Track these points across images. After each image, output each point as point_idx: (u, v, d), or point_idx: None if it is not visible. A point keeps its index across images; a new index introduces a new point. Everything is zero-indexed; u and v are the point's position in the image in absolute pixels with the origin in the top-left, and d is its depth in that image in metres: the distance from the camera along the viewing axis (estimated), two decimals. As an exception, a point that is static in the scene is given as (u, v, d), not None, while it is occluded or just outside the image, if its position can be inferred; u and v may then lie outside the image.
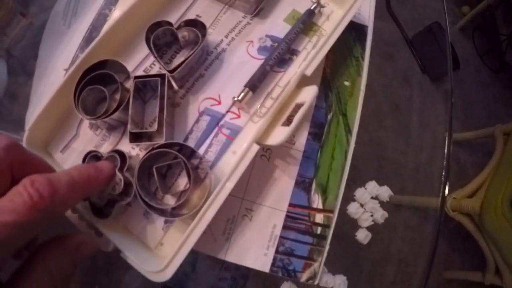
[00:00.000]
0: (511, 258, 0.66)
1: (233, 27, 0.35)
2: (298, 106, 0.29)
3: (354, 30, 0.39)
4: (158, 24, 0.31)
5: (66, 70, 0.36)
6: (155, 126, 0.29)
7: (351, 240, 0.38)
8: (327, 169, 0.34)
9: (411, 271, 0.74)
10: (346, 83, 0.38)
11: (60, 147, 0.33)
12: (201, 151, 0.31)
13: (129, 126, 0.29)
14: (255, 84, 0.32)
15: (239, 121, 0.32)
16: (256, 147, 0.28)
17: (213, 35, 0.35)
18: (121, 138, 0.32)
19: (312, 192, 0.32)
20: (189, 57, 0.30)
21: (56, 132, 0.33)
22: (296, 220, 0.31)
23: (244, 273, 0.39)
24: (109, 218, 0.28)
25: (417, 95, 1.01)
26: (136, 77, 0.30)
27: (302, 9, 0.37)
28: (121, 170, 0.28)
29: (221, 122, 0.31)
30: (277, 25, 0.36)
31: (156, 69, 0.34)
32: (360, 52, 0.39)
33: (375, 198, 0.39)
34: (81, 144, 0.32)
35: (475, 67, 1.03)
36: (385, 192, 0.40)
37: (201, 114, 0.32)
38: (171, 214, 0.28)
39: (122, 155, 0.29)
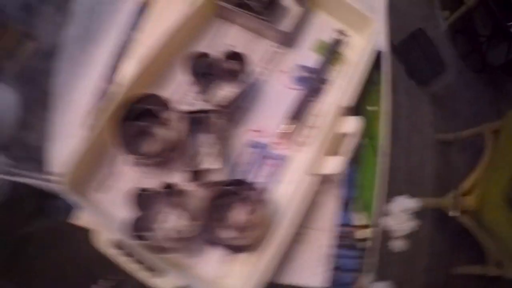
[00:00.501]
0: (510, 249, 0.71)
1: (265, 56, 0.35)
2: (342, 136, 0.31)
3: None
4: (199, 55, 0.30)
5: (93, 102, 0.34)
6: (217, 163, 0.29)
7: (385, 249, 0.40)
8: (364, 189, 0.35)
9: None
10: (369, 108, 0.39)
11: (95, 186, 0.31)
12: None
13: (187, 164, 0.28)
14: (297, 116, 0.32)
15: (283, 151, 0.32)
16: (312, 178, 0.29)
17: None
18: (165, 172, 0.30)
19: (354, 211, 0.34)
20: (240, 91, 0.29)
21: (90, 171, 0.31)
22: (342, 238, 0.33)
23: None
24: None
25: (404, 100, 1.06)
26: (188, 112, 0.29)
27: (325, 38, 0.37)
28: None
29: (266, 153, 0.31)
30: (306, 54, 0.36)
31: (192, 100, 0.33)
32: (377, 77, 0.40)
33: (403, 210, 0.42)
34: (119, 181, 0.30)
35: (459, 69, 1.10)
36: (412, 204, 0.43)
37: (247, 146, 0.31)
38: (234, 248, 0.28)
39: (177, 189, 0.28)
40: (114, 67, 0.35)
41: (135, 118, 0.30)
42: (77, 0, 0.40)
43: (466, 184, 0.82)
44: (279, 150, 0.31)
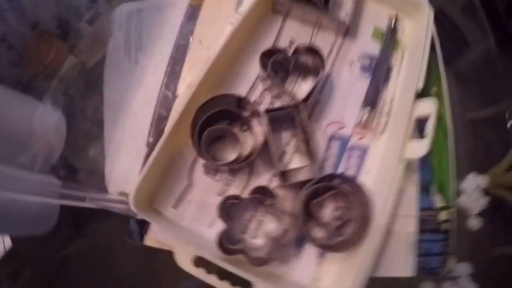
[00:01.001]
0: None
1: (330, 48, 0.34)
2: (417, 119, 0.30)
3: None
4: (272, 52, 0.29)
5: (155, 112, 0.32)
6: (304, 161, 0.28)
7: (463, 228, 0.40)
8: (440, 171, 0.35)
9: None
10: (434, 88, 0.38)
11: (170, 202, 0.29)
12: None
13: (275, 166, 0.26)
14: (373, 104, 0.31)
15: (366, 141, 0.30)
16: (399, 165, 0.28)
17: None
18: (249, 177, 0.29)
19: (432, 194, 0.33)
20: (316, 84, 0.28)
21: (163, 186, 0.29)
22: (425, 222, 0.32)
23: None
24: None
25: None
26: (268, 111, 0.27)
27: (381, 25, 0.36)
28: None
29: (350, 144, 0.30)
30: (367, 42, 0.35)
31: (267, 98, 0.31)
32: (433, 59, 0.39)
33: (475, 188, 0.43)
34: (199, 194, 0.28)
35: (481, 45, 1.09)
36: (482, 181, 0.44)
37: (330, 139, 0.30)
38: (330, 247, 0.26)
39: (267, 193, 0.27)
40: (173, 74, 0.33)
41: (211, 122, 0.28)
42: (115, 10, 0.39)
43: (507, 160, 0.82)
44: (362, 140, 0.30)
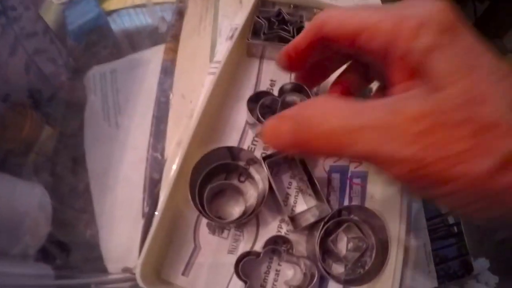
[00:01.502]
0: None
1: None
2: None
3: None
4: (257, 95, 0.30)
5: (145, 177, 0.31)
6: (310, 201, 0.28)
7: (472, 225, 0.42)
8: None
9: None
10: None
11: (179, 269, 0.27)
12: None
13: (283, 211, 0.26)
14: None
15: (363, 167, 0.31)
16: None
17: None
18: (257, 229, 0.28)
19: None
20: None
21: (169, 254, 0.27)
22: (436, 230, 0.33)
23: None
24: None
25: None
26: (265, 158, 0.27)
27: None
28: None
29: (349, 174, 0.30)
30: None
31: (260, 142, 0.31)
32: None
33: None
34: (208, 255, 0.27)
35: None
36: None
37: (329, 173, 0.30)
38: (353, 280, 0.26)
39: (279, 241, 0.26)
40: (158, 133, 0.33)
41: (208, 179, 0.28)
42: (87, 74, 0.38)
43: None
44: (360, 167, 0.31)
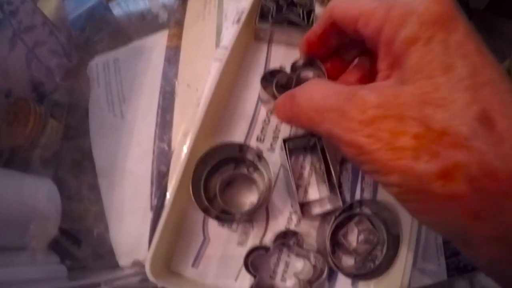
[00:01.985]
0: None
1: None
2: None
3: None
4: (272, 73, 0.29)
5: (153, 169, 0.31)
6: (322, 190, 0.27)
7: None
8: None
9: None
10: None
11: (189, 261, 0.27)
12: (357, 197, 0.29)
13: (295, 200, 0.26)
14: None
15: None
16: None
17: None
18: (267, 220, 0.28)
19: None
20: None
21: (178, 246, 0.28)
22: None
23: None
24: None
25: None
26: (286, 140, 0.26)
27: None
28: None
29: (362, 165, 0.30)
30: None
31: (269, 132, 0.30)
32: None
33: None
34: (218, 247, 0.27)
35: None
36: None
37: (341, 163, 0.29)
38: (362, 275, 0.26)
39: (289, 233, 0.26)
40: (164, 124, 0.32)
41: (214, 172, 0.27)
42: (90, 64, 0.38)
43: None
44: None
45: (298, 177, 0.29)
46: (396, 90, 0.16)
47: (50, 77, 0.37)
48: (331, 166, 0.26)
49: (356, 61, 0.26)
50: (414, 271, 0.29)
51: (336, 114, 0.17)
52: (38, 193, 0.33)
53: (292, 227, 0.27)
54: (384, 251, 0.26)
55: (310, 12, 0.33)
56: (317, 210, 0.27)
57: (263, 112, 0.31)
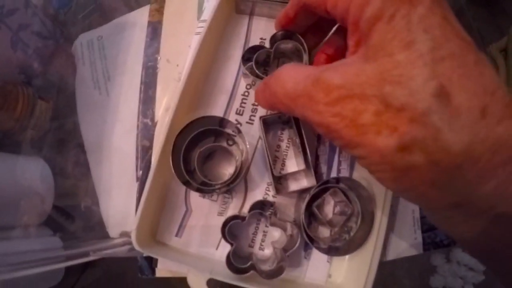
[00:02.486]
0: None
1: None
2: None
3: None
4: (252, 50, 0.29)
5: (137, 144, 0.32)
6: (299, 163, 0.28)
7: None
8: None
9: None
10: None
11: (173, 231, 0.29)
12: (333, 171, 0.29)
13: (271, 174, 0.27)
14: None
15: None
16: None
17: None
18: (245, 191, 0.29)
19: None
20: None
21: (162, 217, 0.29)
22: None
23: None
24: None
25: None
26: (262, 117, 0.27)
27: None
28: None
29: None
30: None
31: (249, 105, 0.31)
32: None
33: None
34: (199, 218, 0.29)
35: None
36: None
37: (318, 136, 0.30)
38: (336, 248, 0.27)
39: (266, 204, 0.27)
40: (147, 99, 0.33)
41: (195, 143, 0.28)
42: (75, 43, 0.38)
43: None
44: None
45: (276, 149, 0.30)
46: (358, 69, 0.16)
47: (36, 58, 0.38)
48: (305, 142, 0.27)
49: (333, 30, 0.26)
50: (391, 244, 0.30)
51: (305, 99, 0.18)
52: (31, 173, 0.35)
53: (270, 198, 0.29)
54: (359, 223, 0.27)
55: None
56: (293, 186, 0.28)
57: (242, 85, 0.31)
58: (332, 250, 0.27)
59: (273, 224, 0.28)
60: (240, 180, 0.27)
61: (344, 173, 0.30)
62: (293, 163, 0.29)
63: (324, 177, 0.29)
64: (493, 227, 0.16)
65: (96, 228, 0.32)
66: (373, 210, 0.27)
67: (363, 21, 0.16)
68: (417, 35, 0.15)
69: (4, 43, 0.35)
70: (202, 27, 0.34)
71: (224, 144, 0.29)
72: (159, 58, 0.34)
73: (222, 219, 0.28)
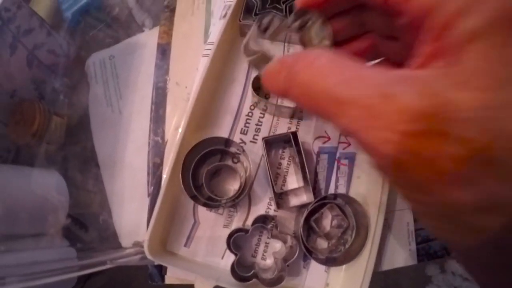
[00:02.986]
0: None
1: None
2: None
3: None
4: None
5: (149, 160, 0.35)
6: (299, 180, 0.31)
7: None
8: None
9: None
10: None
11: (181, 241, 0.32)
12: (331, 187, 0.32)
13: (273, 189, 0.30)
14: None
15: (352, 148, 0.33)
16: None
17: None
18: (249, 206, 0.32)
19: None
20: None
21: (172, 228, 0.32)
22: None
23: None
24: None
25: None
26: (264, 138, 0.30)
27: None
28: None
29: (338, 155, 0.33)
30: None
31: (252, 126, 0.34)
32: None
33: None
34: (206, 229, 0.32)
35: None
36: None
37: (317, 154, 0.33)
38: (333, 259, 0.30)
39: (268, 218, 0.30)
40: (157, 118, 0.36)
41: (203, 162, 0.31)
42: (87, 62, 0.41)
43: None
44: (348, 149, 0.33)
45: (278, 166, 0.33)
46: (446, 99, 0.12)
47: (51, 76, 0.41)
48: (304, 161, 0.30)
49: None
50: (386, 255, 0.33)
51: (364, 113, 0.14)
52: (46, 185, 0.38)
53: (272, 212, 0.32)
54: (354, 236, 0.30)
55: (291, 7, 0.36)
56: (293, 202, 0.31)
57: (246, 106, 0.34)
58: (330, 261, 0.30)
59: (274, 236, 0.31)
60: (244, 195, 0.30)
61: (342, 189, 0.33)
62: (293, 180, 0.32)
63: (323, 192, 0.32)
64: None
65: (110, 238, 0.35)
66: (367, 224, 0.30)
67: (456, 32, 0.13)
68: None
69: (21, 62, 0.38)
70: (209, 49, 0.37)
71: (230, 162, 0.32)
72: (168, 79, 0.37)
73: (227, 231, 0.31)
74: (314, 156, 0.33)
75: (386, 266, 0.33)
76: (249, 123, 0.34)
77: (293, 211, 0.32)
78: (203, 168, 0.31)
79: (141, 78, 0.38)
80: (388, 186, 0.30)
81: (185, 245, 0.32)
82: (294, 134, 0.30)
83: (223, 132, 0.34)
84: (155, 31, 0.40)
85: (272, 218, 0.30)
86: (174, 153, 0.31)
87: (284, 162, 0.33)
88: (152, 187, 0.34)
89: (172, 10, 0.41)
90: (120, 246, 0.34)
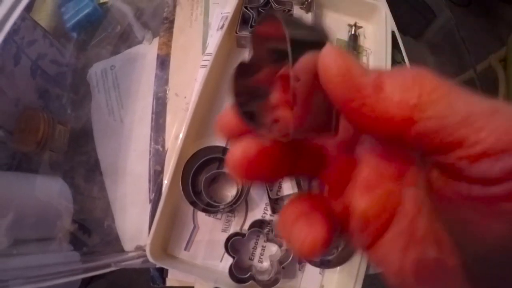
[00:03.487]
0: None
1: None
2: None
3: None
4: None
5: (150, 168, 0.37)
6: (294, 188, 0.33)
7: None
8: None
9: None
10: None
11: (182, 245, 0.34)
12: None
13: (268, 195, 0.32)
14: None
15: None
16: None
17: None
18: (246, 211, 0.34)
19: None
20: None
21: (172, 233, 0.34)
22: None
23: None
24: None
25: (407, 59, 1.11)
26: None
27: (342, 35, 0.42)
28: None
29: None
30: None
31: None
32: (399, 56, 0.44)
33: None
34: (205, 234, 0.34)
35: (447, 10, 1.16)
36: None
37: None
38: (329, 262, 0.32)
39: (264, 223, 0.33)
40: (158, 127, 0.38)
41: (201, 169, 0.34)
42: (89, 71, 0.43)
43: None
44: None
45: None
46: None
47: (54, 84, 0.43)
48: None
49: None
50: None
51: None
52: (51, 191, 0.40)
53: (268, 217, 0.34)
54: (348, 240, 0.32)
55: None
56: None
57: (243, 115, 0.36)
58: (324, 263, 0.32)
59: (270, 240, 0.33)
60: (241, 201, 0.33)
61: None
62: (288, 186, 0.34)
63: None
64: None
65: (113, 242, 0.37)
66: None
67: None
68: None
69: (25, 72, 0.40)
70: (206, 60, 0.39)
71: (227, 170, 0.34)
72: (168, 89, 0.39)
73: (225, 235, 0.33)
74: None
75: (375, 269, 0.35)
76: (245, 131, 0.36)
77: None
78: (202, 175, 0.34)
79: (142, 88, 0.40)
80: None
81: (185, 249, 0.34)
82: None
83: (220, 141, 0.36)
84: (155, 42, 0.42)
85: (268, 222, 0.32)
86: (174, 161, 0.33)
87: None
88: (153, 194, 0.36)
89: (171, 21, 0.43)
90: (122, 250, 0.36)
